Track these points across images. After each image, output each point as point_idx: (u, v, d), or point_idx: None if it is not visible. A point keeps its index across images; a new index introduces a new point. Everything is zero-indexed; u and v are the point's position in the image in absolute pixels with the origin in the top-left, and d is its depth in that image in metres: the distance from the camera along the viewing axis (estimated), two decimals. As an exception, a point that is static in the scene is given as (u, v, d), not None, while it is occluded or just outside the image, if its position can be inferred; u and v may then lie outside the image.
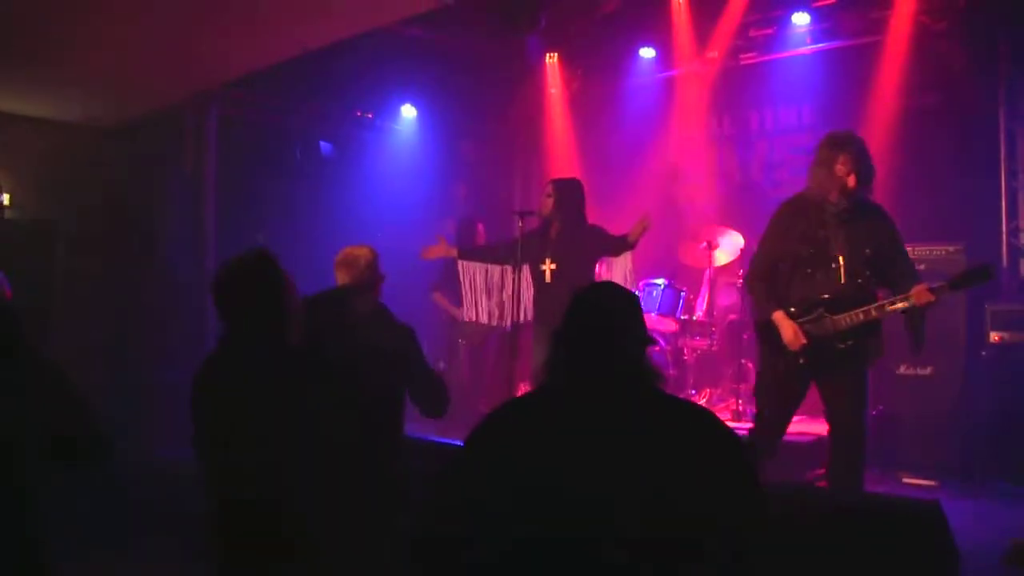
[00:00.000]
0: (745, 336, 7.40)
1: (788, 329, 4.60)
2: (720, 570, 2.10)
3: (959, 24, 7.20)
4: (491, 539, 2.15)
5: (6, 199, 8.76)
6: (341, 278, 4.21)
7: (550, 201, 6.14)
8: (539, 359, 5.53)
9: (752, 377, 7.31)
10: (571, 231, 6.12)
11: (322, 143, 9.60)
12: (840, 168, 4.57)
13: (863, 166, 4.59)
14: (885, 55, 7.55)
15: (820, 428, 6.71)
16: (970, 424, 6.28)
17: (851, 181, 4.56)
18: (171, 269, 8.57)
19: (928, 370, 6.42)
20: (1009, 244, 7.01)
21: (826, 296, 4.58)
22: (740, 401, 7.21)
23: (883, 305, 4.51)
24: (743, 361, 7.35)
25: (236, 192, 8.77)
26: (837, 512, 3.38)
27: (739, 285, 7.43)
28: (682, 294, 7.85)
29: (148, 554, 4.91)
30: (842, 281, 4.56)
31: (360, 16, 6.63)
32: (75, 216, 8.84)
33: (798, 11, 7.96)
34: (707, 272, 7.89)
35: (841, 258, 4.58)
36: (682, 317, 7.87)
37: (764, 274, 4.80)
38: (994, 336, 6.33)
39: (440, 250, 6.50)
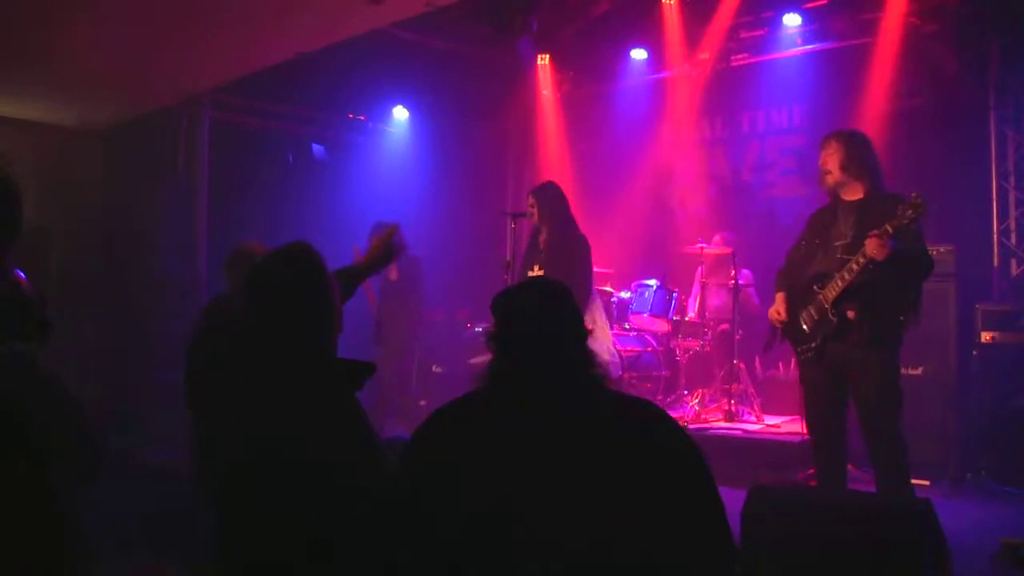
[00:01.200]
0: (737, 337, 7.43)
1: (776, 304, 4.76)
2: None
3: (950, 26, 7.19)
4: (424, 540, 2.13)
5: (-1, 203, 8.73)
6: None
7: (534, 211, 6.21)
8: None
9: (744, 377, 7.41)
10: (558, 237, 6.15)
11: (314, 145, 9.64)
12: (828, 162, 4.67)
13: (848, 157, 4.62)
14: (876, 57, 7.55)
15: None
16: (961, 424, 6.28)
17: (837, 174, 4.63)
18: (165, 271, 8.57)
19: (919, 370, 6.41)
20: (1000, 244, 7.03)
21: (820, 272, 4.59)
22: (732, 402, 7.21)
23: (850, 264, 4.41)
24: (735, 362, 7.35)
25: (229, 195, 8.78)
26: (827, 511, 3.38)
27: (731, 286, 7.44)
28: (674, 295, 7.85)
29: (141, 556, 4.86)
30: (838, 257, 4.53)
31: (352, 19, 6.64)
32: (69, 220, 8.84)
33: (789, 12, 7.96)
34: (699, 273, 7.90)
35: (842, 241, 4.56)
36: (674, 318, 7.88)
37: (783, 267, 4.91)
38: (985, 336, 6.34)
39: None
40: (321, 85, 8.72)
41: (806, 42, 8.10)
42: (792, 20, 8.01)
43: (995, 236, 7.03)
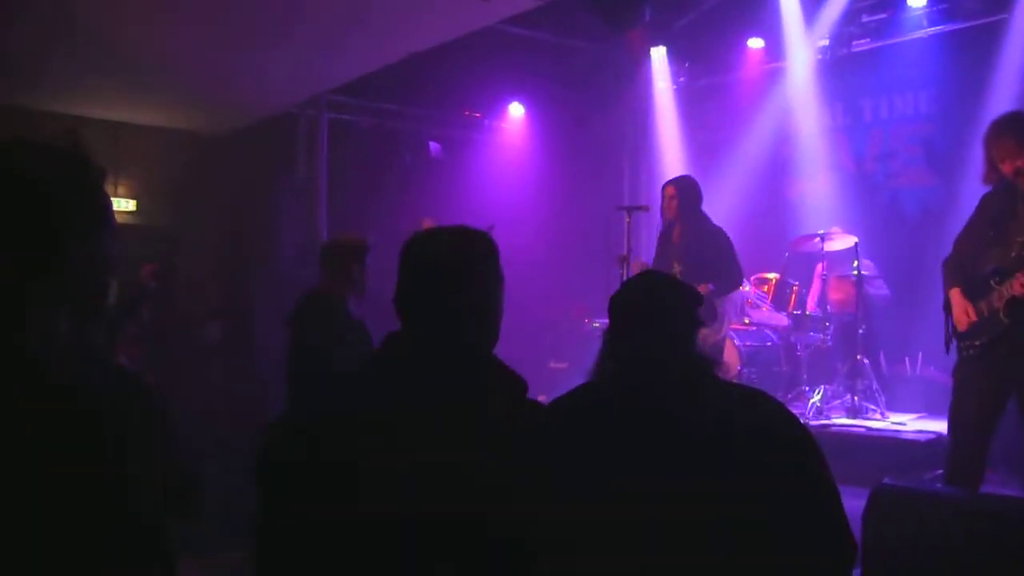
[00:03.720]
0: (860, 331, 7.22)
1: (958, 305, 4.35)
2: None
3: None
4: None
5: (133, 205, 9.15)
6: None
7: (674, 204, 6.07)
8: None
9: (868, 373, 7.20)
10: (698, 230, 6.05)
11: (431, 144, 9.70)
12: (997, 152, 4.28)
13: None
14: (1010, 35, 7.23)
15: (939, 426, 6.54)
16: None
17: (1007, 167, 4.24)
18: (285, 274, 8.72)
19: None
20: None
21: (997, 267, 4.25)
22: (856, 397, 7.01)
23: None
24: (858, 356, 7.14)
25: (347, 195, 8.96)
26: (958, 515, 3.13)
27: (853, 278, 7.23)
28: (794, 288, 7.70)
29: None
30: (1012, 255, 4.19)
31: (462, 17, 6.71)
32: (194, 222, 9.17)
33: (913, -7, 7.67)
34: (819, 266, 7.70)
35: (1020, 236, 4.20)
36: (794, 312, 7.72)
37: (954, 255, 4.53)
38: None
39: None
40: (436, 83, 8.79)
41: (932, 23, 7.80)
42: (917, 1, 7.72)
43: None
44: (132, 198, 9.14)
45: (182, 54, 7.05)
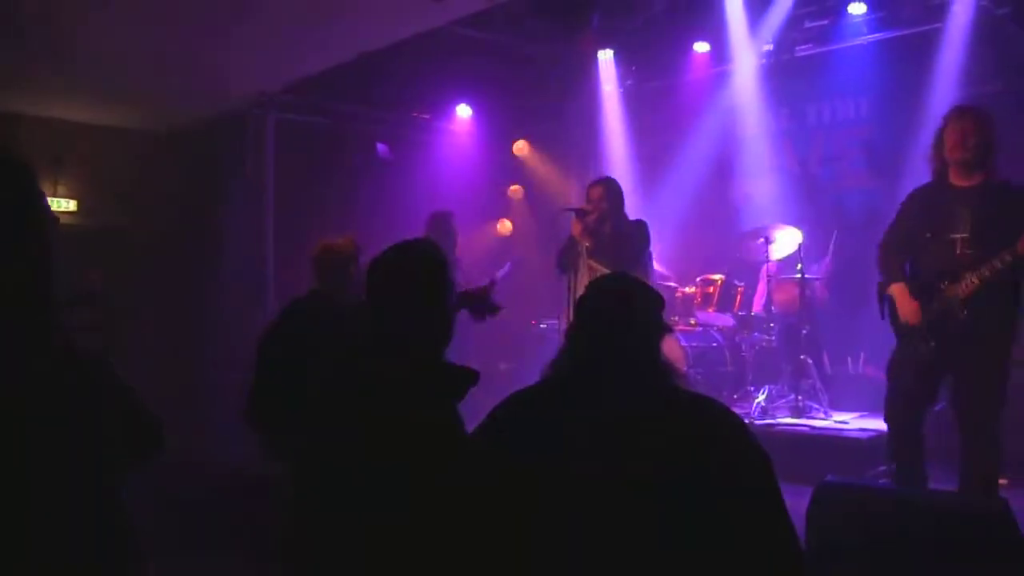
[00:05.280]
0: (804, 331, 7.34)
1: (904, 304, 4.53)
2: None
3: (1022, 8, 7.00)
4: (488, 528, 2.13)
5: (74, 206, 8.99)
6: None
7: (604, 204, 6.01)
8: None
9: (812, 373, 7.30)
10: (624, 229, 6.04)
11: (379, 145, 9.66)
12: (948, 138, 4.47)
13: (989, 137, 4.44)
14: (946, 42, 7.36)
15: (880, 424, 6.64)
16: None
17: (956, 153, 4.43)
18: (233, 272, 8.71)
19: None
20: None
21: (945, 269, 4.43)
22: (799, 397, 7.11)
23: (992, 263, 4.25)
24: (802, 356, 7.26)
25: (295, 195, 8.87)
26: (896, 511, 3.26)
27: (797, 279, 7.35)
28: (739, 290, 7.77)
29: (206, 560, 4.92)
30: (956, 252, 4.39)
31: (413, 18, 6.70)
32: (140, 221, 9.04)
33: (854, 1, 7.78)
34: (765, 267, 7.77)
35: (961, 235, 4.39)
36: (740, 313, 7.80)
37: (889, 242, 4.74)
38: None
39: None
40: (385, 84, 8.75)
41: (872, 30, 7.92)
42: (857, 8, 7.81)
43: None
44: (73, 198, 8.98)
45: (125, 50, 6.95)
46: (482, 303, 3.62)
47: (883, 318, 4.71)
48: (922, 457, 4.60)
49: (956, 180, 4.49)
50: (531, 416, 2.22)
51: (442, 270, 2.50)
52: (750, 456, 2.12)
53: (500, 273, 7.57)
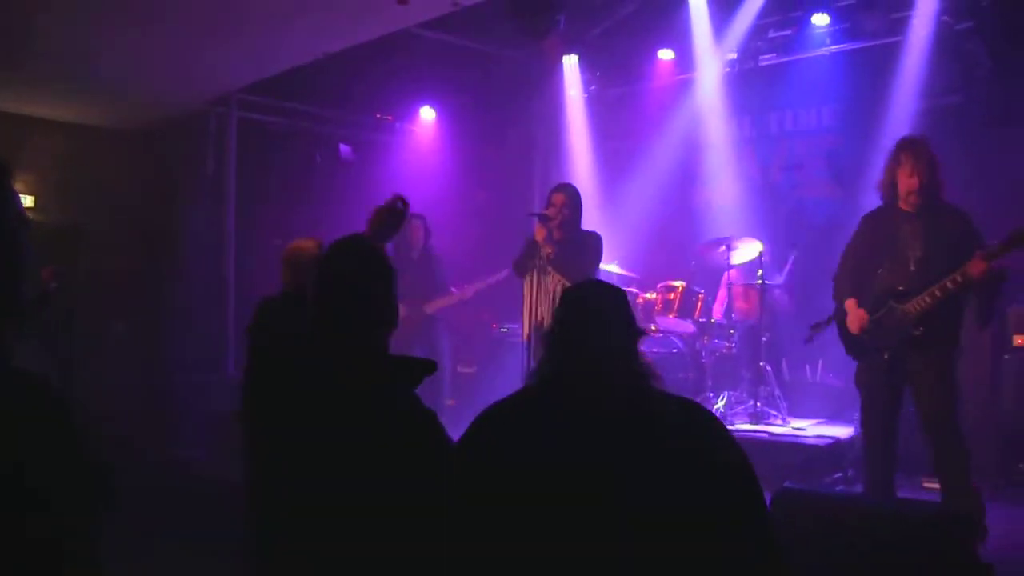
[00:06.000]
0: (763, 338, 7.39)
1: (854, 314, 4.83)
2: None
3: (984, 23, 7.06)
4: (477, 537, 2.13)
5: (30, 202, 8.84)
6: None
7: (567, 211, 5.91)
8: None
9: (771, 379, 7.36)
10: (580, 237, 5.94)
11: (341, 146, 9.61)
12: (902, 170, 4.73)
13: (927, 166, 4.69)
14: (907, 55, 7.47)
15: (837, 431, 6.72)
16: (994, 430, 6.17)
17: (914, 183, 4.69)
18: (192, 272, 8.63)
19: None
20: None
21: (898, 288, 4.73)
22: (758, 403, 7.17)
23: (943, 283, 4.54)
24: (761, 363, 7.31)
25: (257, 195, 8.82)
26: (853, 518, 3.34)
27: (758, 286, 7.39)
28: (700, 296, 7.79)
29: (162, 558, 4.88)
30: (911, 270, 4.69)
31: (378, 19, 6.66)
32: (99, 219, 8.91)
33: (818, 12, 7.85)
34: (726, 274, 7.79)
35: (911, 252, 4.71)
36: (700, 319, 7.82)
37: (843, 272, 5.01)
38: (1018, 339, 6.28)
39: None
40: (348, 85, 8.70)
41: (835, 41, 8.00)
42: (821, 20, 7.90)
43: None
44: (30, 194, 8.84)
45: (85, 47, 6.85)
46: (391, 212, 3.52)
47: (846, 345, 5.01)
48: (894, 470, 4.87)
49: (905, 206, 4.79)
50: (514, 424, 2.24)
51: (376, 258, 2.57)
52: (735, 457, 2.16)
53: (492, 279, 7.64)
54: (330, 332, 2.47)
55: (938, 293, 4.56)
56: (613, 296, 2.34)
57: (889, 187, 4.84)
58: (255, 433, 3.63)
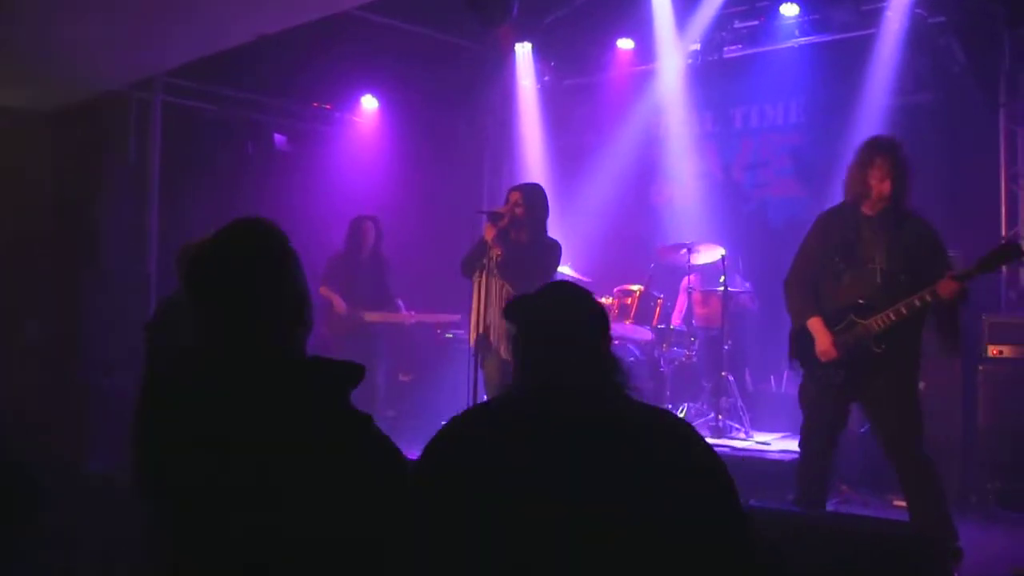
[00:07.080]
0: (725, 347, 7.25)
1: (822, 339, 4.61)
2: None
3: (958, 17, 6.99)
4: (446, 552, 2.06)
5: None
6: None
7: (521, 211, 5.63)
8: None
9: (733, 391, 7.24)
10: (540, 243, 5.68)
11: (276, 135, 9.31)
12: (875, 172, 4.55)
13: (900, 172, 4.54)
14: (879, 49, 7.37)
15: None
16: (965, 443, 6.13)
17: (886, 187, 4.52)
18: (111, 267, 8.29)
19: (921, 385, 6.11)
20: (1008, 251, 6.82)
21: (860, 301, 4.56)
22: (720, 416, 7.04)
23: (911, 301, 4.40)
24: (723, 373, 7.19)
25: (182, 186, 8.47)
26: (817, 536, 3.26)
27: (720, 292, 7.22)
28: (658, 301, 7.56)
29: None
30: (877, 282, 4.54)
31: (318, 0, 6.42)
32: (12, 207, 8.45)
33: (786, 2, 7.69)
34: (686, 279, 7.65)
35: (875, 262, 4.55)
36: (658, 326, 7.58)
37: (801, 278, 4.81)
38: (992, 350, 6.18)
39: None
40: (284, 71, 8.37)
41: (804, 33, 7.86)
42: (790, 10, 7.72)
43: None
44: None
45: (2, 25, 6.41)
46: None
47: (793, 356, 4.82)
48: (827, 483, 4.81)
49: (867, 209, 4.61)
50: (483, 436, 2.17)
51: (276, 243, 2.23)
52: (712, 465, 2.13)
53: (443, 318, 7.78)
54: (230, 333, 2.11)
55: (904, 311, 4.41)
56: (582, 299, 2.27)
57: (855, 187, 4.64)
58: (152, 447, 3.33)
